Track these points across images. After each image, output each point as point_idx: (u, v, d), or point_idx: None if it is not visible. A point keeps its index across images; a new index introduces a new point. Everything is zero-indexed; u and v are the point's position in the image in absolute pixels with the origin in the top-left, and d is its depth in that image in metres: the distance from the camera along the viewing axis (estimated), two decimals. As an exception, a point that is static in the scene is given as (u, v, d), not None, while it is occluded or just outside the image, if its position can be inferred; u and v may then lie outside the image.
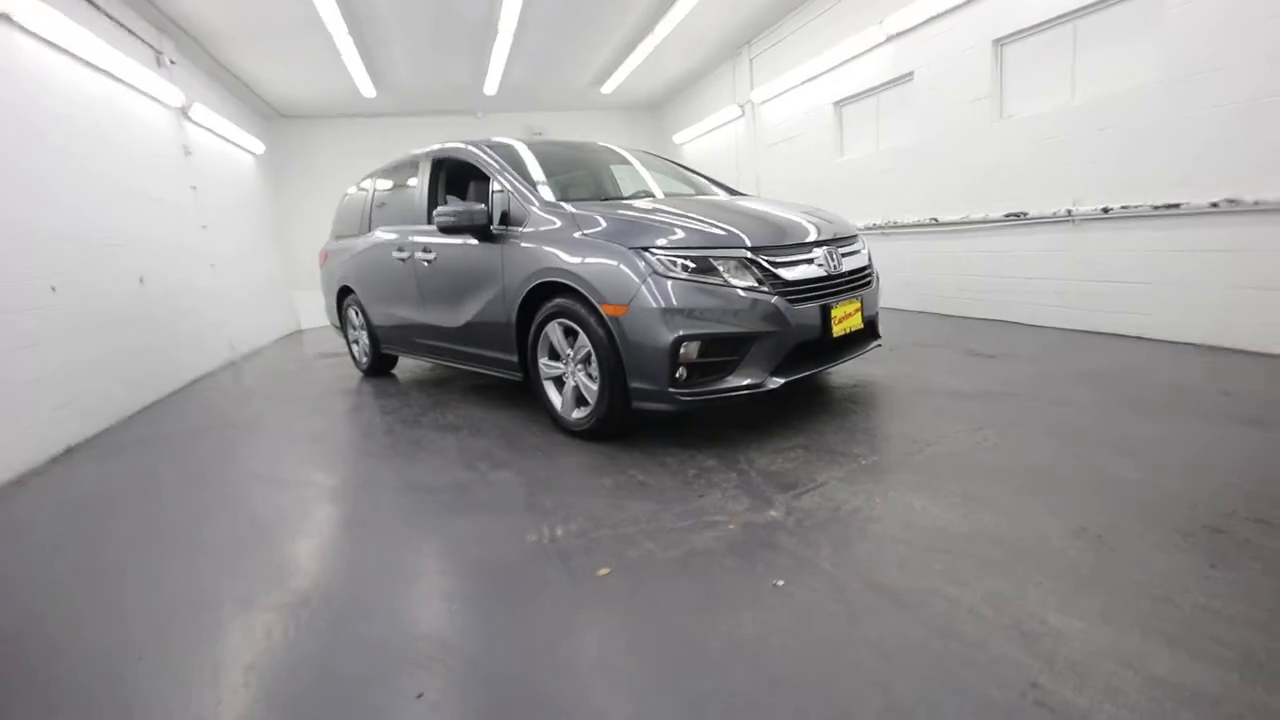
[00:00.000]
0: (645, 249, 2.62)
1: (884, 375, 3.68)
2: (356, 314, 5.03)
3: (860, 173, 6.41)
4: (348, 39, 6.41)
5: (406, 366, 5.43)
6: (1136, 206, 3.87)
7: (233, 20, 6.00)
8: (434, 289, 3.83)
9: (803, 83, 7.12)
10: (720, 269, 2.61)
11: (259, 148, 8.65)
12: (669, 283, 2.55)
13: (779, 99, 7.70)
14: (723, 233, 2.70)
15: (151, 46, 5.69)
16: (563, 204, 3.12)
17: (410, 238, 4.00)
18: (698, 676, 1.35)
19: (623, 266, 2.63)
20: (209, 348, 6.14)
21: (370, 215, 4.70)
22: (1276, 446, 2.29)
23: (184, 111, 6.18)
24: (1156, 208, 3.75)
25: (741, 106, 8.56)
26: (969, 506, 2.01)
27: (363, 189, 4.98)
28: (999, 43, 4.71)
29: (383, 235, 4.40)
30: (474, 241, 3.40)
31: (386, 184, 4.63)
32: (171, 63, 6.00)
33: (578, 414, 2.98)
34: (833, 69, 6.56)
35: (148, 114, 5.45)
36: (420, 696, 1.36)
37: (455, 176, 4.16)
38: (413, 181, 4.14)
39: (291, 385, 5.18)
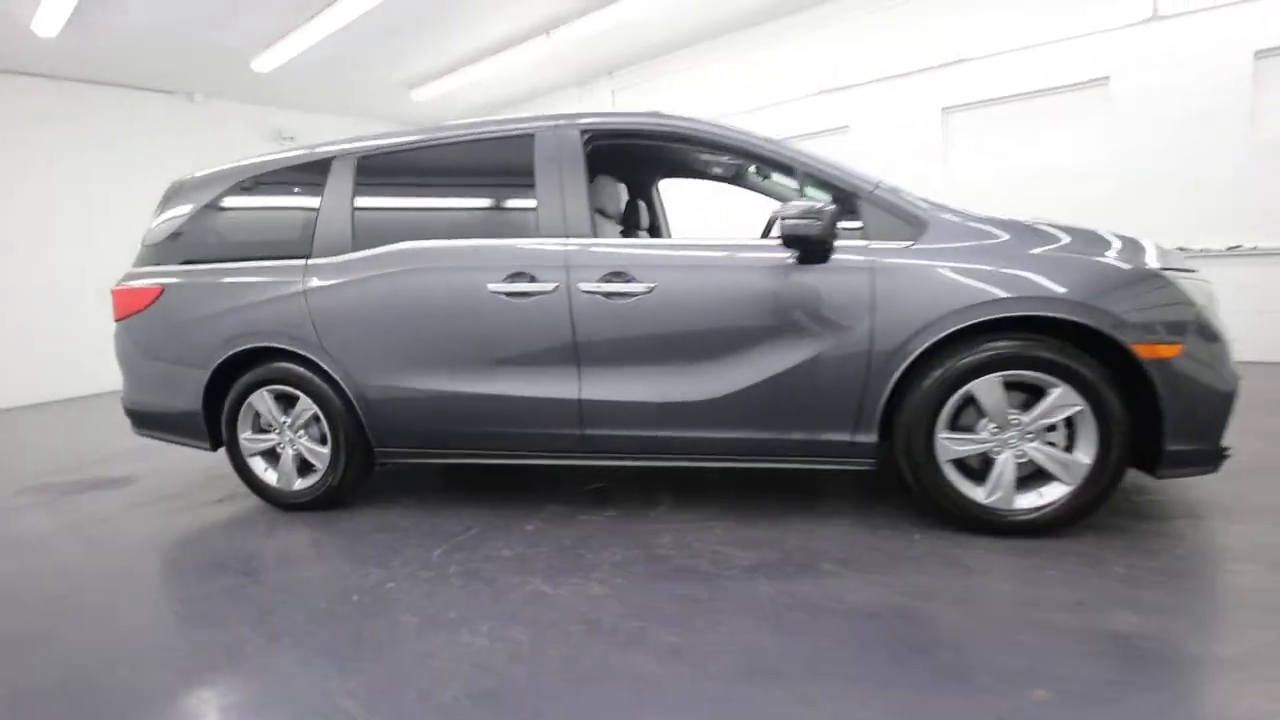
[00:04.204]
0: (1163, 270, 2.04)
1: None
2: (284, 403, 2.71)
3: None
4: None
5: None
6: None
7: None
8: (635, 340, 2.28)
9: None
10: None
11: None
12: (1209, 311, 2.03)
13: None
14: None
15: None
16: (970, 213, 2.22)
17: (568, 258, 2.33)
18: None
19: (1159, 293, 1.99)
20: None
21: (354, 223, 2.61)
22: None
23: None
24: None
25: (598, 140, 7.93)
26: None
27: (299, 179, 2.77)
28: (947, 110, 5.45)
29: (444, 253, 2.48)
30: (783, 260, 2.16)
31: (426, 170, 2.68)
32: None
33: (1030, 500, 2.10)
34: (750, 111, 6.61)
35: None
36: None
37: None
38: (539, 169, 2.42)
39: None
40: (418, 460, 2.69)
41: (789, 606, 1.81)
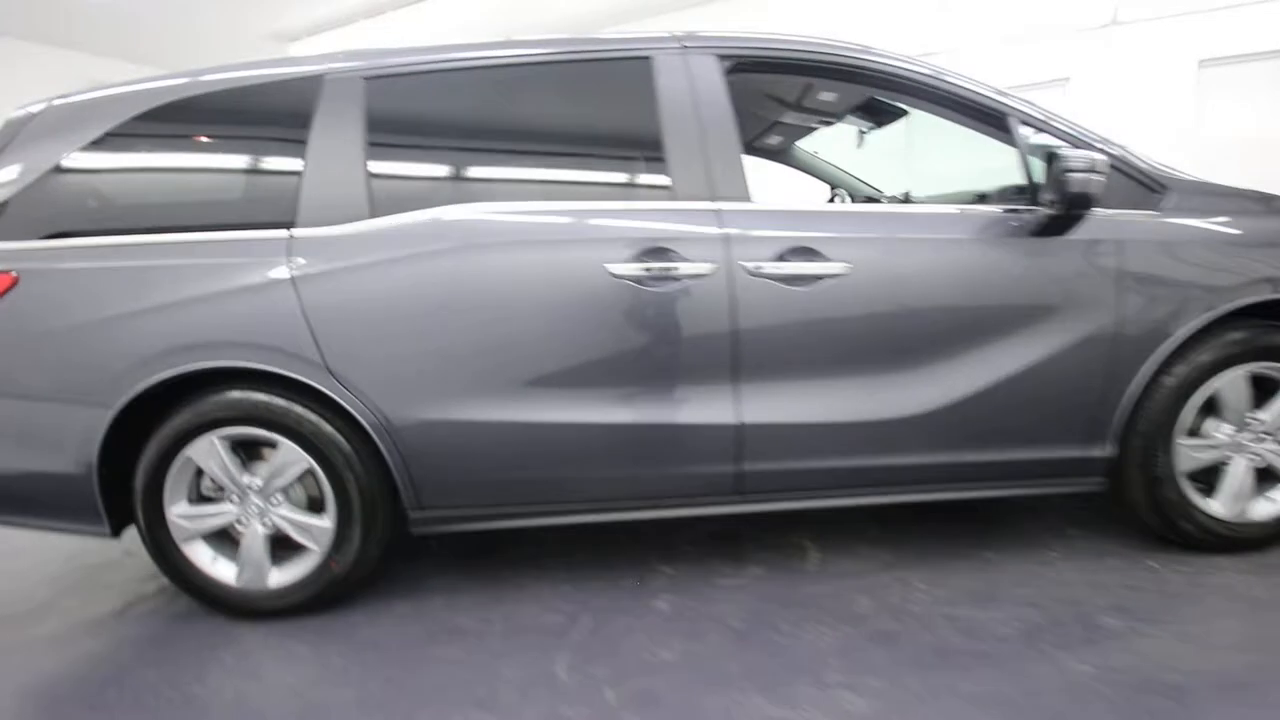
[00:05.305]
0: None
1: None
2: (243, 453, 1.76)
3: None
4: None
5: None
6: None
7: None
8: (824, 339, 1.69)
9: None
10: None
11: None
12: None
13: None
14: None
15: None
16: (1198, 178, 1.93)
17: (728, 229, 1.65)
18: None
19: None
20: None
21: (370, 177, 1.73)
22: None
23: None
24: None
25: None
26: None
27: (263, 108, 1.81)
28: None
29: (533, 224, 1.71)
30: (1012, 230, 1.71)
31: (479, 103, 1.87)
32: None
33: (1266, 509, 1.83)
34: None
35: None
36: None
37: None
38: (665, 107, 1.71)
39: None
40: (482, 525, 1.86)
41: (1139, 692, 1.34)
